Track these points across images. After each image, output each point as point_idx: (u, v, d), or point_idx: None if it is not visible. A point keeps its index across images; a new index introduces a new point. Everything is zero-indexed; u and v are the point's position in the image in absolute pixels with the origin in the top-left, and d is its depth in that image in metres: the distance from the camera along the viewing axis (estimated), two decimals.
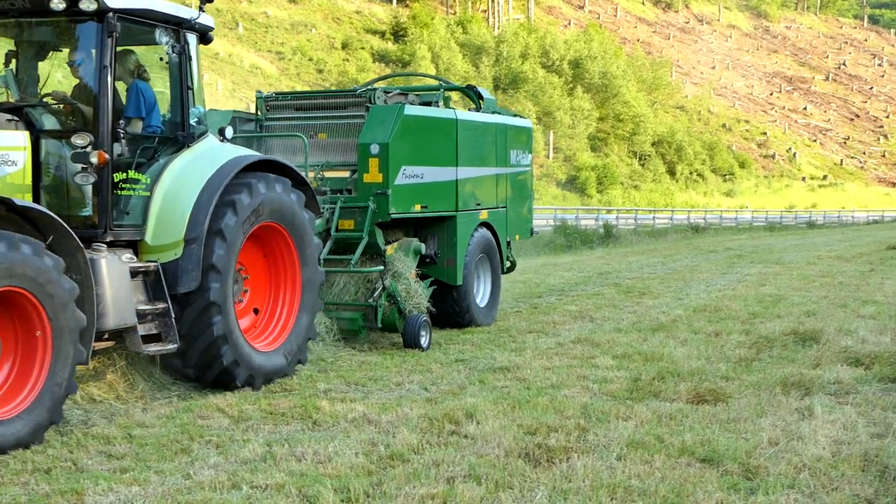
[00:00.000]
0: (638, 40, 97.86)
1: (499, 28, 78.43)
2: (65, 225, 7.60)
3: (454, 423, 7.70)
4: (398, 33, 70.19)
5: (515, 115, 15.43)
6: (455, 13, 79.50)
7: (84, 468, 6.64)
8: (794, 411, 8.16)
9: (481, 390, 9.15)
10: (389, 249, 12.15)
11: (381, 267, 11.88)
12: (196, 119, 9.38)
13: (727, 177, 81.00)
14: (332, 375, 9.97)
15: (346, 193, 12.05)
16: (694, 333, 12.49)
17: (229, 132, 9.95)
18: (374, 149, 11.70)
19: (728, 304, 15.43)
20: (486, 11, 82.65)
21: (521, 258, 27.40)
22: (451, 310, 13.17)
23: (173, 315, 8.62)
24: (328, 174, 12.33)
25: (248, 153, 9.68)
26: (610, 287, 18.85)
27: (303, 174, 10.18)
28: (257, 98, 13.18)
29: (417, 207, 12.30)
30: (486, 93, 14.42)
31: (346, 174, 12.22)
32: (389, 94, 12.80)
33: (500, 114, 14.54)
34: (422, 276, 12.60)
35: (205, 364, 8.94)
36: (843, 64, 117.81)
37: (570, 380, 9.58)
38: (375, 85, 13.70)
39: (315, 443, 7.14)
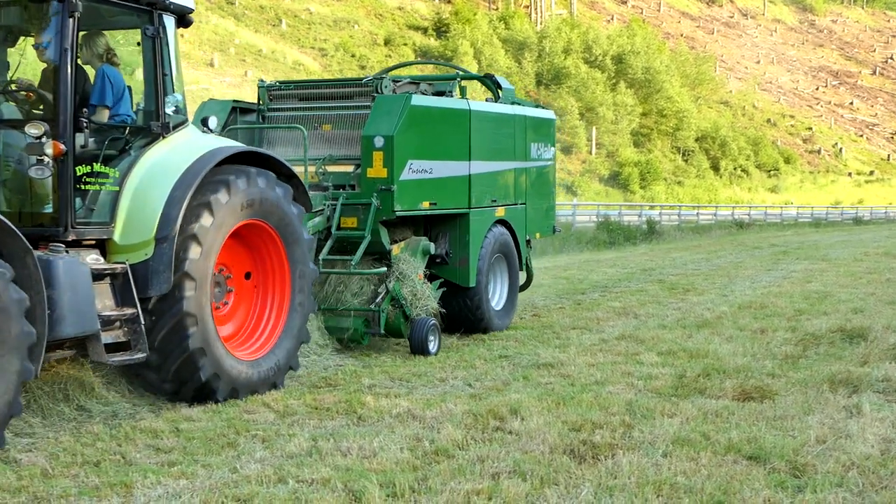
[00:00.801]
0: (681, 35, 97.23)
1: (541, 23, 78.23)
2: (9, 224, 6.81)
3: (498, 420, 7.70)
4: (440, 29, 70.22)
5: (538, 106, 14.62)
6: (497, 9, 79.38)
7: (132, 461, 6.71)
8: (842, 409, 8.08)
9: (525, 386, 9.14)
10: (395, 249, 11.38)
11: (384, 268, 11.11)
12: (173, 108, 8.64)
13: (772, 172, 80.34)
14: (376, 371, 10.00)
15: (349, 189, 11.32)
16: (739, 330, 12.40)
17: (213, 122, 9.33)
18: (379, 141, 10.95)
19: (774, 301, 15.31)
20: (528, 7, 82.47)
21: (563, 254, 27.40)
22: (463, 313, 12.37)
23: (143, 321, 7.84)
24: (331, 168, 11.59)
25: (231, 144, 8.90)
26: (654, 283, 18.76)
27: (291, 166, 9.41)
28: (259, 87, 12.51)
29: (426, 204, 11.52)
30: (504, 82, 13.72)
31: (351, 168, 11.48)
32: (398, 84, 12.06)
33: (519, 104, 13.74)
34: (432, 277, 11.97)
35: (182, 379, 8.23)
36: (891, 58, 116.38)
37: (615, 376, 9.55)
38: (394, 73, 12.89)
39: (360, 438, 7.17)
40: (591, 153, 65.38)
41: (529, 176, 13.62)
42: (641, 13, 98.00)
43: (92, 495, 5.95)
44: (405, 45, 65.93)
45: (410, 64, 16.16)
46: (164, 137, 8.47)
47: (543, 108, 14.64)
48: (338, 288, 11.19)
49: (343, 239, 11.12)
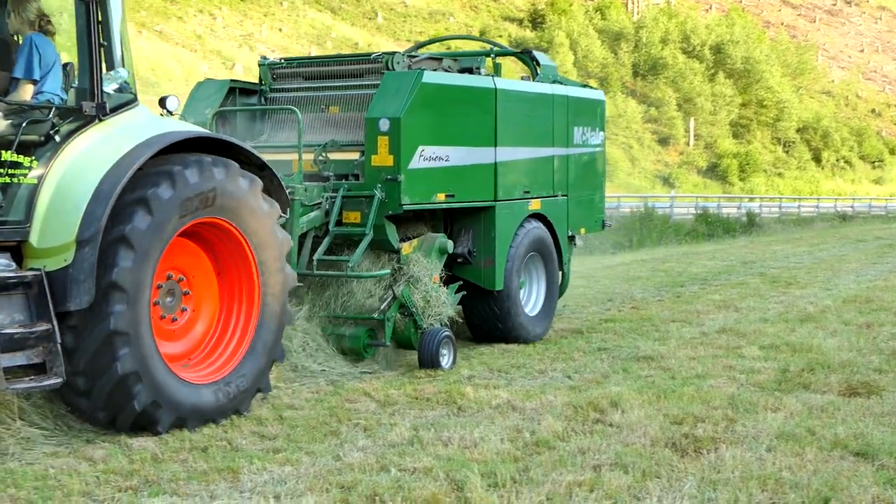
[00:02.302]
0: (782, 24, 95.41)
1: (638, 13, 77.47)
2: None
3: (599, 412, 7.68)
4: (536, 20, 69.99)
5: (584, 86, 13.08)
6: None
7: (238, 447, 6.85)
8: None
9: (625, 379, 9.09)
10: (406, 248, 10.01)
11: (387, 270, 9.81)
12: (115, 86, 7.37)
13: (876, 164, 78.43)
14: (476, 362, 10.04)
15: (352, 179, 9.96)
16: (844, 325, 12.15)
17: (173, 103, 7.91)
18: (384, 125, 9.56)
19: (880, 295, 14.96)
20: None
21: (661, 246, 27.15)
22: (489, 320, 10.98)
23: (59, 340, 6.54)
24: (334, 156, 10.13)
25: (184, 129, 7.56)
26: (754, 276, 18.48)
27: (259, 154, 8.02)
28: (259, 65, 11.23)
29: (440, 197, 10.10)
30: (544, 58, 12.32)
31: (356, 156, 10.04)
32: (415, 59, 10.70)
33: (561, 83, 12.15)
34: (453, 280, 10.70)
35: (114, 407, 6.91)
36: None
37: (716, 370, 9.44)
38: (421, 51, 11.84)
39: (461, 428, 7.21)
40: (688, 144, 64.57)
41: (572, 164, 12.13)
42: (741, 2, 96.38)
43: (200, 480, 6.09)
44: (500, 36, 65.85)
45: (442, 39, 14.71)
46: (100, 121, 7.15)
47: (591, 87, 13.26)
48: (341, 292, 9.94)
49: (344, 236, 9.83)
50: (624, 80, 65.38)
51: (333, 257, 9.67)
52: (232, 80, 10.97)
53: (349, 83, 10.63)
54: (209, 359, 7.68)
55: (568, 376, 9.38)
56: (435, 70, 10.54)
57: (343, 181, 9.90)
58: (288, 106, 10.43)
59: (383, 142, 9.58)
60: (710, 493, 5.83)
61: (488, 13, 71.03)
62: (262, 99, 11.00)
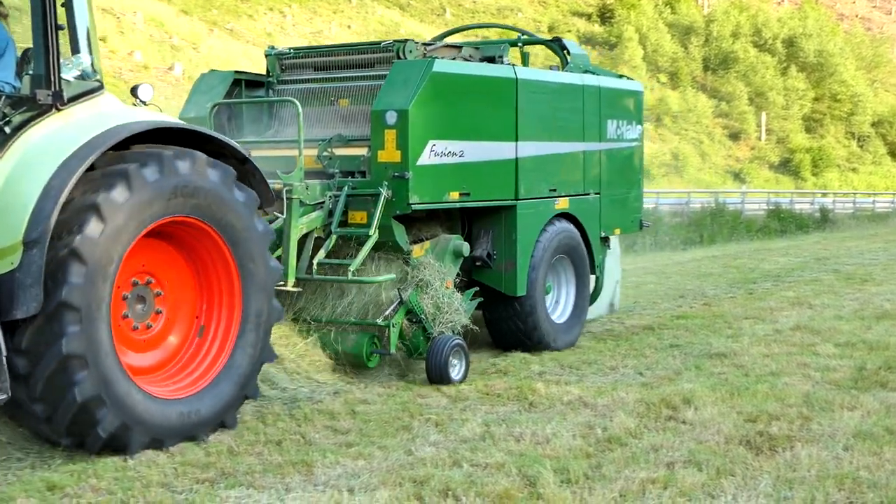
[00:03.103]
0: (857, 16, 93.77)
1: (708, 7, 76.63)
2: None
3: (671, 409, 7.63)
4: (605, 15, 69.57)
5: (621, 77, 12.22)
6: None
7: (312, 441, 6.92)
8: None
9: (698, 376, 9.01)
10: (417, 250, 9.34)
11: (392, 275, 9.07)
12: (77, 73, 6.81)
13: None
14: (546, 358, 10.02)
15: (358, 176, 9.32)
16: None
17: (146, 91, 7.25)
18: (391, 118, 8.88)
19: None
20: None
21: (732, 242, 26.82)
22: (511, 327, 10.23)
23: (4, 351, 5.96)
24: (341, 151, 9.48)
25: (149, 119, 6.84)
26: (828, 273, 18.19)
27: (241, 148, 7.41)
28: (266, 55, 10.54)
29: (454, 195, 9.35)
30: (575, 46, 11.57)
31: (364, 152, 9.36)
32: (431, 48, 9.98)
33: (593, 73, 11.34)
34: (472, 284, 10.05)
35: (79, 434, 6.33)
36: None
37: (790, 367, 9.32)
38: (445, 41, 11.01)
39: (532, 424, 7.21)
40: (760, 139, 63.76)
41: (605, 160, 11.31)
42: None
43: (275, 473, 6.16)
44: (569, 31, 65.56)
45: (468, 28, 13.53)
46: (57, 110, 6.56)
47: (628, 78, 12.35)
48: (344, 298, 9.25)
49: (348, 238, 9.14)
50: (694, 75, 64.73)
51: (335, 260, 8.96)
52: (236, 72, 10.43)
53: (359, 73, 9.96)
54: (188, 367, 7.04)
55: (639, 373, 9.33)
56: (453, 59, 9.91)
57: (349, 179, 9.25)
58: (287, 98, 9.74)
59: (390, 136, 8.92)
60: (785, 491, 5.78)
61: (557, 8, 70.74)
62: (269, 91, 10.39)
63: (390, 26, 57.94)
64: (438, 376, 8.68)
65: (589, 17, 70.52)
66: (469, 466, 6.22)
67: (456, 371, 8.84)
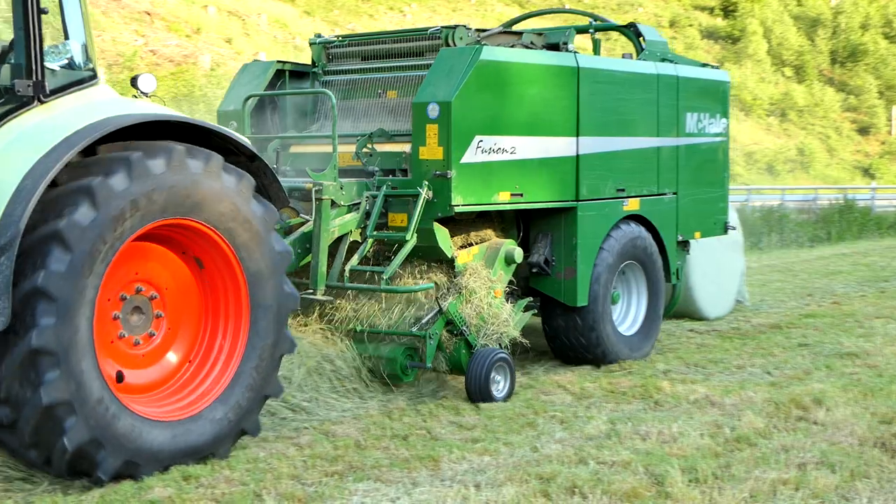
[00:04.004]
0: None
1: None
2: None
3: (801, 409, 7.46)
4: (728, 9, 68.31)
5: (704, 65, 11.10)
6: None
7: (438, 436, 6.98)
8: None
9: (828, 376, 8.80)
10: (464, 256, 8.59)
11: (430, 284, 8.34)
12: (63, 61, 6.29)
13: None
14: (671, 356, 9.90)
15: (399, 175, 8.58)
16: None
17: (147, 82, 6.66)
18: (433, 111, 8.14)
19: None
20: None
21: (862, 240, 26.06)
22: (571, 340, 9.35)
23: None
24: (383, 148, 8.72)
25: (147, 112, 6.22)
26: None
27: (248, 144, 6.68)
28: (311, 44, 9.81)
29: (504, 196, 8.53)
30: (652, 32, 10.59)
31: (406, 148, 8.58)
32: (485, 34, 9.06)
33: (671, 61, 10.35)
34: (530, 292, 9.29)
35: (42, 444, 5.68)
36: None
37: None
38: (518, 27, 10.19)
39: (658, 422, 7.14)
40: (890, 134, 61.87)
41: (684, 156, 10.31)
42: None
43: (402, 467, 6.24)
44: (690, 26, 64.61)
45: (536, 14, 11.90)
46: (41, 102, 6.04)
47: (712, 67, 11.24)
48: (378, 308, 8.47)
49: (388, 243, 8.37)
50: (821, 68, 63.12)
51: (367, 267, 8.28)
52: (279, 62, 9.73)
53: (408, 63, 9.20)
54: (185, 389, 6.40)
55: (767, 372, 9.15)
56: (512, 46, 9.07)
57: (389, 177, 8.52)
58: (320, 90, 9.10)
59: (432, 131, 8.16)
60: None
61: (678, 2, 69.76)
62: (315, 82, 9.69)
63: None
64: (478, 393, 7.88)
65: (711, 10, 69.34)
66: (595, 464, 6.20)
67: (499, 388, 8.00)
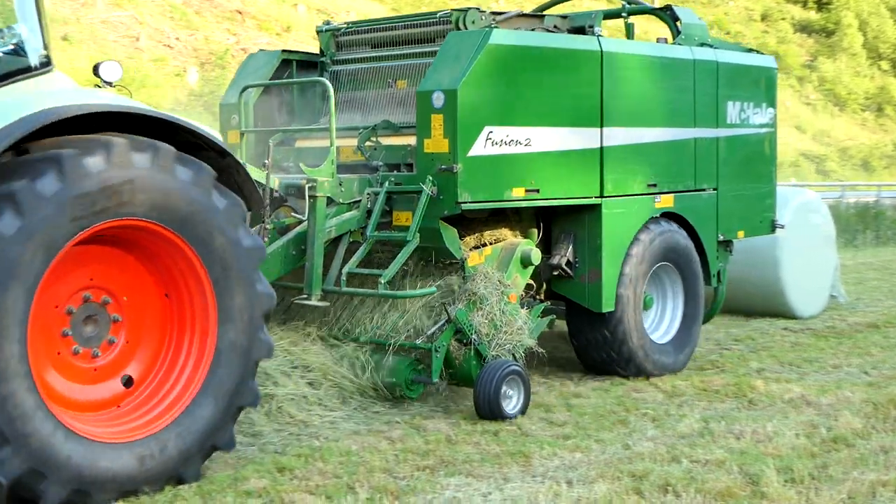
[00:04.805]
0: None
1: None
2: None
3: None
4: (822, 2, 67.00)
5: (749, 50, 10.27)
6: None
7: (528, 433, 6.97)
8: None
9: None
10: (474, 258, 7.91)
11: (433, 289, 7.68)
12: (10, 47, 5.79)
13: None
14: (764, 355, 9.76)
15: (404, 170, 7.98)
16: None
17: (111, 71, 6.14)
18: (438, 99, 7.45)
19: None
20: None
21: None
22: (598, 348, 8.62)
23: None
24: (389, 141, 8.13)
25: (101, 102, 5.58)
26: None
27: (217, 138, 5.98)
28: (319, 32, 9.25)
29: (519, 192, 7.81)
30: (690, 15, 9.80)
31: (412, 141, 7.88)
32: (501, 18, 8.38)
33: (710, 46, 9.57)
34: (552, 296, 8.61)
35: None
36: None
37: None
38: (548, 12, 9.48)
39: (752, 421, 7.04)
40: None
41: (724, 149, 9.47)
42: None
43: (493, 462, 6.24)
44: (783, 19, 63.49)
45: None
46: None
47: (757, 52, 10.36)
48: (388, 313, 7.81)
49: (390, 244, 7.81)
50: None
51: (365, 270, 7.62)
52: (285, 51, 9.21)
53: (418, 50, 8.52)
54: (148, 404, 5.78)
55: (865, 372, 8.98)
56: (532, 30, 8.39)
57: (393, 173, 7.94)
58: (315, 79, 8.53)
59: (437, 121, 7.48)
60: None
61: None
62: (323, 72, 9.07)
63: None
64: (488, 410, 7.18)
65: (805, 3, 68.06)
66: (688, 462, 6.14)
67: (511, 404, 7.29)
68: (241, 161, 6.25)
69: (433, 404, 7.73)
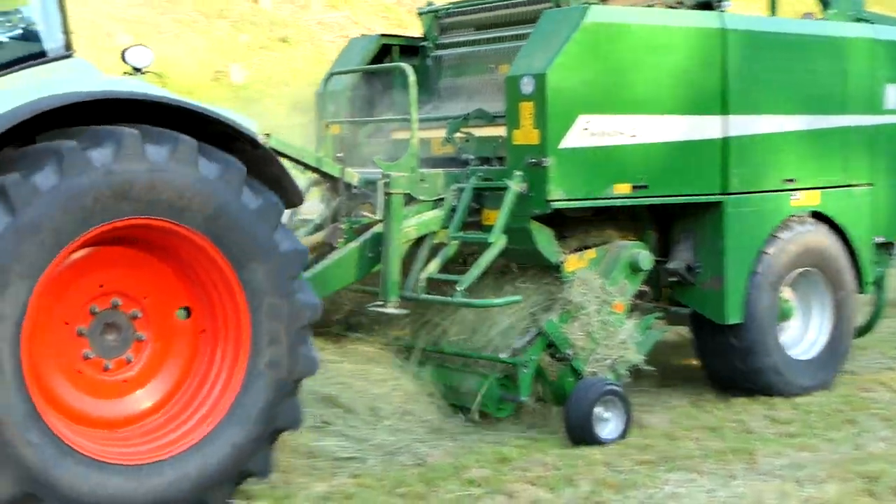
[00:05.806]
0: None
1: None
2: None
3: None
4: None
5: None
6: None
7: (751, 430, 6.82)
8: None
9: None
10: (573, 261, 6.94)
11: (518, 297, 6.84)
12: (18, 32, 5.46)
13: None
14: None
15: (495, 164, 7.21)
16: None
17: (140, 56, 5.60)
18: (526, 85, 6.63)
19: None
20: None
21: None
22: (727, 362, 7.63)
23: None
24: (481, 132, 7.39)
25: (113, 89, 5.01)
26: None
27: (248, 129, 5.28)
28: (420, 14, 8.56)
29: (623, 188, 6.87)
30: None
31: (503, 132, 7.06)
32: None
33: (867, 21, 8.24)
34: (674, 304, 7.65)
35: None
36: None
37: None
38: None
39: None
40: None
41: (884, 139, 8.23)
42: None
43: (716, 458, 6.13)
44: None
45: None
46: None
47: None
48: (455, 323, 7.13)
49: (473, 247, 6.95)
50: None
51: (443, 276, 6.83)
52: (384, 35, 8.58)
53: (521, 31, 7.54)
54: (173, 422, 5.22)
55: None
56: (650, 6, 7.53)
57: (483, 167, 7.20)
58: (397, 64, 7.67)
59: (526, 110, 6.66)
60: None
61: None
62: (425, 58, 8.40)
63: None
64: (580, 434, 6.39)
65: None
66: None
67: (607, 428, 6.47)
68: (273, 155, 5.53)
69: (647, 398, 7.58)
